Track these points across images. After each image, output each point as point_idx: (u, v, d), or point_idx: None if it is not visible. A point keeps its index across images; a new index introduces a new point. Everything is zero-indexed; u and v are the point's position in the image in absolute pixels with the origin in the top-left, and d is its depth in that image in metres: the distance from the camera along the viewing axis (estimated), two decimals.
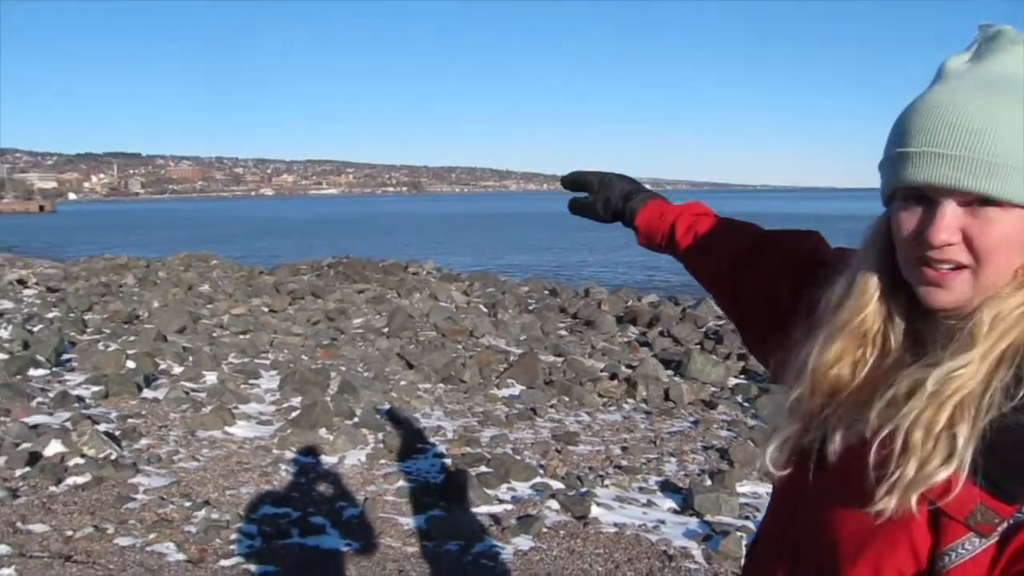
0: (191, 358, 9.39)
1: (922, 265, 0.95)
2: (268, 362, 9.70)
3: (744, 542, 4.67)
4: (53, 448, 5.85)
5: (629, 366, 9.92)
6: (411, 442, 6.59)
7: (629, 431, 7.35)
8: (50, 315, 12.41)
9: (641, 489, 5.77)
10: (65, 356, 9.20)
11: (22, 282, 17.72)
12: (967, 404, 0.90)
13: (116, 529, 4.70)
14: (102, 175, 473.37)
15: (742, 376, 9.47)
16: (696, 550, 4.74)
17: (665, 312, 13.97)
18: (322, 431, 6.73)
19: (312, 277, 18.86)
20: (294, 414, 7.13)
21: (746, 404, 8.28)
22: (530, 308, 15.47)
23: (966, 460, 0.88)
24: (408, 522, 5.07)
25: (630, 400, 8.51)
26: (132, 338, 10.37)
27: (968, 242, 0.92)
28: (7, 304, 14.15)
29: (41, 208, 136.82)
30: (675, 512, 5.38)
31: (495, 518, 5.14)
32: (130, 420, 6.89)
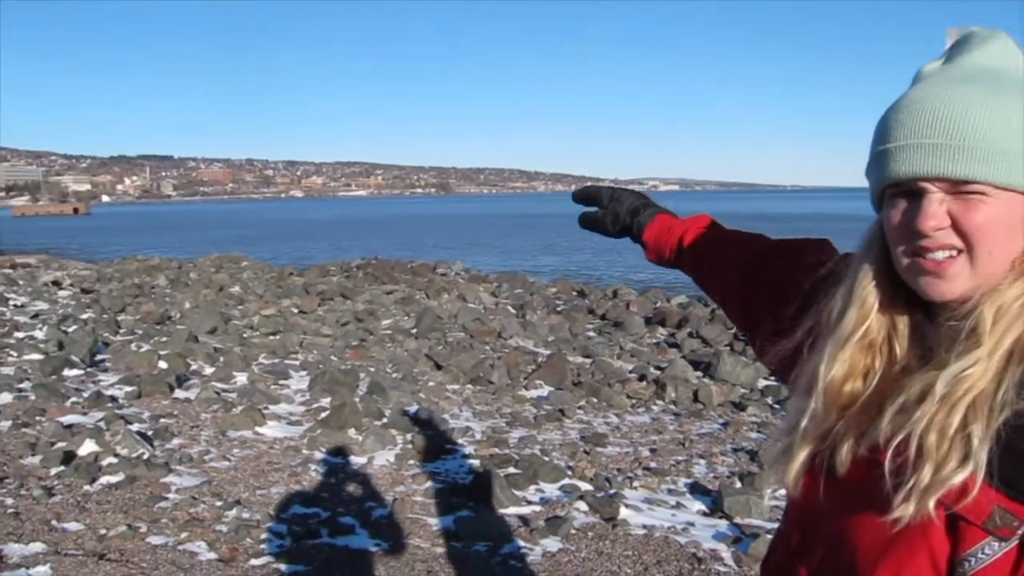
0: (222, 359, 9.48)
1: (917, 258, 0.95)
2: (298, 363, 9.77)
3: None
4: (87, 447, 5.93)
5: (658, 367, 9.88)
6: (439, 443, 6.60)
7: (658, 433, 7.31)
8: (84, 316, 12.61)
9: (670, 491, 5.74)
10: (99, 357, 9.33)
11: (57, 283, 18.01)
12: (980, 404, 0.89)
13: (149, 528, 4.75)
14: (135, 177, 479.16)
15: (772, 378, 9.38)
16: (725, 553, 4.70)
17: (694, 313, 13.89)
18: (351, 432, 6.76)
19: (341, 278, 18.99)
20: (323, 415, 7.17)
21: (776, 406, 8.20)
22: (558, 309, 15.46)
23: (982, 461, 0.86)
24: (436, 523, 5.08)
25: (659, 402, 8.47)
26: (164, 339, 10.50)
27: (956, 226, 0.93)
28: (42, 305, 14.39)
29: (75, 210, 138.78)
30: (704, 514, 5.34)
31: (523, 519, 5.13)
32: (162, 420, 6.97)
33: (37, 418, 6.73)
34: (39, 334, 10.68)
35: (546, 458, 6.28)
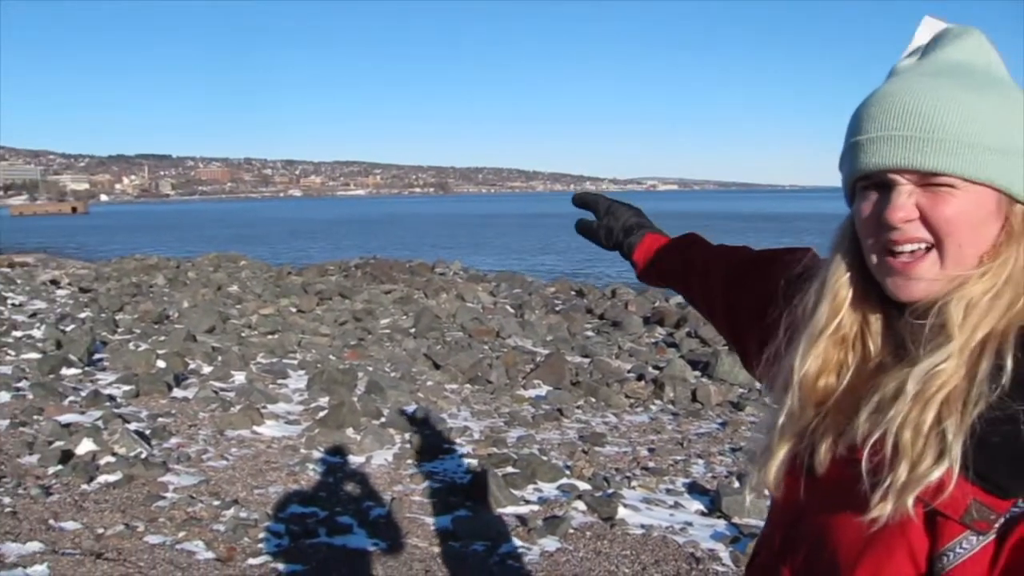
0: (220, 358, 9.48)
1: (886, 256, 0.96)
2: (296, 362, 9.77)
3: None
4: (85, 446, 5.93)
5: (656, 367, 9.88)
6: (438, 442, 6.60)
7: (656, 432, 7.31)
8: (82, 315, 12.60)
9: (668, 491, 5.74)
10: (97, 356, 9.33)
11: (55, 282, 18.00)
12: (953, 400, 0.89)
13: (146, 527, 4.74)
14: (133, 176, 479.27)
15: None
16: (723, 552, 4.70)
17: (692, 313, 13.87)
18: (349, 431, 6.76)
19: (340, 278, 18.98)
20: (321, 414, 7.16)
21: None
22: (557, 309, 15.46)
23: (956, 456, 0.87)
24: (434, 522, 5.07)
25: (657, 401, 8.47)
26: (162, 338, 10.50)
27: (925, 219, 0.93)
28: (40, 304, 14.38)
29: (74, 209, 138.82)
30: (702, 514, 5.34)
31: (521, 519, 5.13)
32: (160, 419, 6.97)
33: (35, 417, 6.73)
34: (37, 333, 10.67)
35: (544, 458, 6.28)
